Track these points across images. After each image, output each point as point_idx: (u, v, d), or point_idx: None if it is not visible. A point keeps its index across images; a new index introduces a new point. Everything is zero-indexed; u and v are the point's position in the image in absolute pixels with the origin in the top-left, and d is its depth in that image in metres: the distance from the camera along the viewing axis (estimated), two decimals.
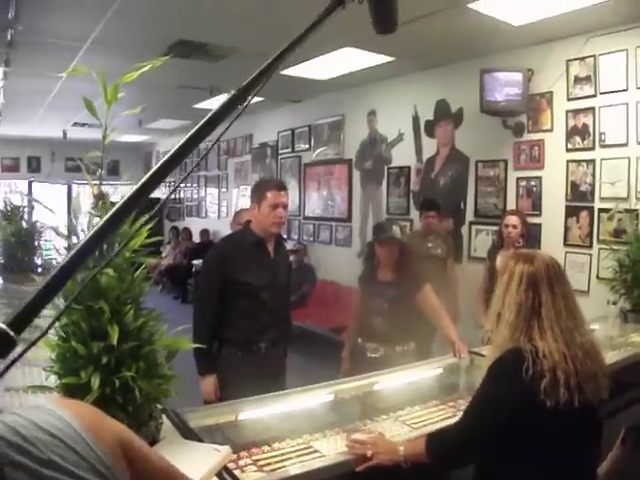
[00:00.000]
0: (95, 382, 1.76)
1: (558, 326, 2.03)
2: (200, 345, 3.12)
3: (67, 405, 0.95)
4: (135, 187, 0.91)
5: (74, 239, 2.00)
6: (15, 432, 0.83)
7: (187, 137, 1.01)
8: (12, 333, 0.75)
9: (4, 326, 0.75)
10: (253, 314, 3.64)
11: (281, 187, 3.77)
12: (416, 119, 7.79)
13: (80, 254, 0.86)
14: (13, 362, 0.78)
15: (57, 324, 1.78)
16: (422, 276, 4.26)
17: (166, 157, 0.97)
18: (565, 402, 1.91)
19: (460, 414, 2.89)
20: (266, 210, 3.62)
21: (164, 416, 2.19)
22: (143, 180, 0.94)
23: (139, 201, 0.92)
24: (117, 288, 1.88)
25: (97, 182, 1.95)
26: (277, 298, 3.81)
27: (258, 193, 3.71)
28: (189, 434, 2.20)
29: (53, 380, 1.93)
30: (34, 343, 0.86)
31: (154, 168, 0.96)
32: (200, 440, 2.18)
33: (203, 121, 1.04)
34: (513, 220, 5.46)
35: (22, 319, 0.77)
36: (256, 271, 3.66)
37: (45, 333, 0.87)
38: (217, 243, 4.18)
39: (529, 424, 1.98)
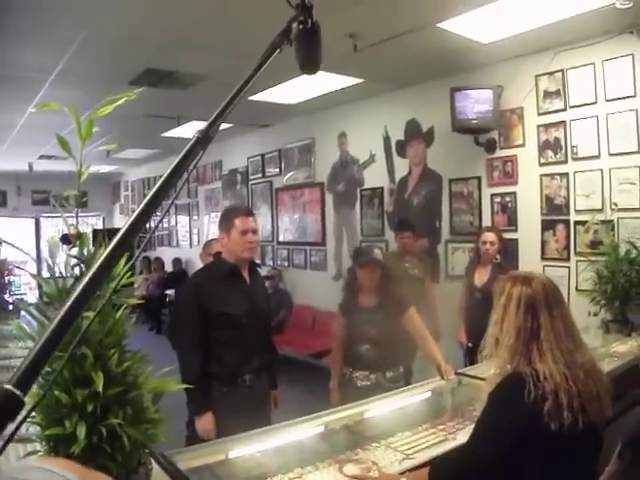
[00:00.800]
0: (81, 432, 1.67)
1: (558, 348, 2.00)
2: (191, 385, 3.07)
3: (62, 464, 0.88)
4: (110, 245, 0.98)
5: (49, 277, 1.92)
6: None
7: (156, 187, 1.10)
8: (19, 392, 0.73)
9: (11, 387, 0.73)
10: (235, 345, 3.55)
11: (248, 213, 3.75)
12: (387, 140, 7.79)
13: (76, 305, 0.87)
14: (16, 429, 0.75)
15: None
16: (405, 298, 4.19)
17: (137, 210, 1.05)
18: (569, 424, 1.87)
19: (451, 437, 2.88)
20: (236, 237, 3.59)
21: (152, 460, 2.10)
22: (118, 237, 1.01)
23: (118, 254, 1.00)
24: (99, 332, 1.80)
25: (73, 224, 1.87)
26: (257, 325, 3.75)
27: (226, 222, 3.67)
28: (179, 477, 2.12)
29: (33, 431, 1.83)
30: (35, 406, 0.81)
31: (127, 223, 1.03)
32: None
33: (170, 170, 1.12)
34: (490, 237, 5.48)
35: (27, 377, 0.76)
36: (233, 300, 3.61)
37: (44, 396, 0.82)
38: (190, 278, 4.09)
39: (533, 448, 1.94)
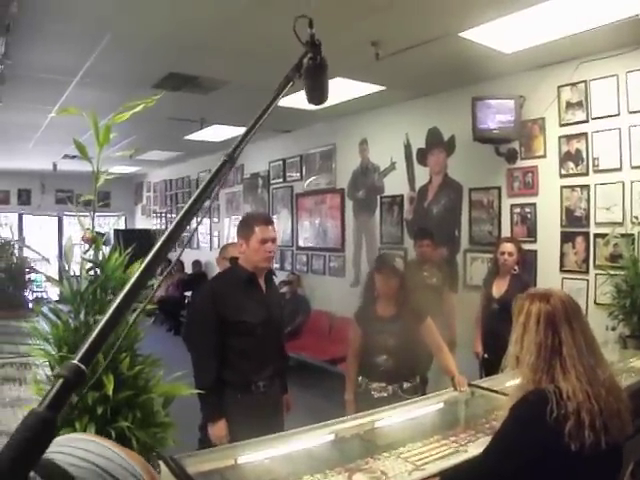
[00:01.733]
0: (90, 433, 1.68)
1: (581, 364, 1.97)
2: (205, 391, 3.08)
3: (102, 439, 0.94)
4: (141, 267, 1.05)
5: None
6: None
7: (188, 205, 1.18)
8: (83, 367, 0.83)
9: (77, 362, 0.83)
10: (250, 352, 3.54)
11: (269, 221, 3.73)
12: (408, 147, 7.78)
13: (128, 297, 0.99)
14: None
15: (50, 373, 1.72)
16: (423, 308, 4.16)
17: (169, 230, 1.12)
18: (591, 444, 1.85)
19: (462, 449, 2.87)
20: (255, 245, 3.57)
21: (161, 463, 2.11)
22: (150, 255, 1.07)
23: (157, 262, 1.07)
24: (112, 336, 1.80)
25: (89, 227, 1.89)
26: (272, 334, 3.75)
27: (246, 229, 3.65)
28: None
29: None
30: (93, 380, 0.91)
31: (165, 233, 1.11)
32: None
33: (199, 190, 1.22)
34: (509, 247, 5.45)
35: (89, 354, 0.87)
36: (250, 308, 3.59)
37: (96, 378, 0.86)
38: (207, 283, 4.07)
39: (552, 467, 1.91)
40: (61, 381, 0.81)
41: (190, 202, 1.18)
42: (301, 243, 10.11)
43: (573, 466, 1.89)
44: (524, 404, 2.01)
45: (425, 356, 4.28)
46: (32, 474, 0.70)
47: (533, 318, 2.07)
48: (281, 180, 10.60)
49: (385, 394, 3.90)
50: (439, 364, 4.07)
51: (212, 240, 13.31)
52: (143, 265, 1.05)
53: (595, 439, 1.85)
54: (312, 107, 6.00)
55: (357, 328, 4.17)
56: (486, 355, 5.44)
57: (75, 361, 0.84)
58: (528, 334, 2.08)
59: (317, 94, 1.71)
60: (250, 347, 3.54)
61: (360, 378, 4.08)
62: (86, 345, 0.88)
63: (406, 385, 3.96)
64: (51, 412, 0.77)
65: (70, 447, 0.80)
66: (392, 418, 3.21)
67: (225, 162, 1.28)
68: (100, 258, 1.93)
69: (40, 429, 0.74)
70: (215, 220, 13.13)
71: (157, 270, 1.09)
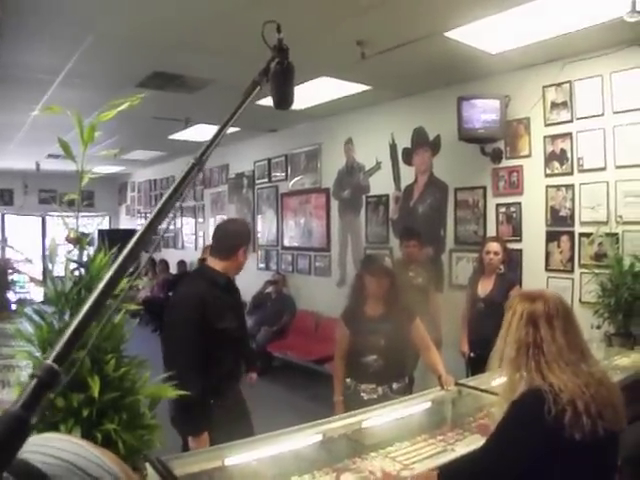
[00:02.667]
0: (76, 436, 1.66)
1: (562, 360, 2.02)
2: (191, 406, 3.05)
3: (77, 438, 0.94)
4: (114, 265, 1.07)
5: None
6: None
7: (158, 207, 1.20)
8: (57, 367, 0.84)
9: (51, 362, 0.84)
10: (228, 359, 3.51)
11: None
12: (393, 147, 7.79)
13: (102, 295, 1.00)
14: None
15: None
16: (412, 308, 4.14)
17: (140, 230, 1.15)
18: (590, 431, 1.88)
19: (450, 448, 2.88)
20: (246, 255, 3.67)
21: (148, 465, 2.09)
22: (123, 255, 1.09)
23: (126, 267, 1.08)
24: (97, 337, 1.78)
25: (73, 227, 1.87)
26: (245, 338, 3.84)
27: (248, 238, 3.74)
28: None
29: None
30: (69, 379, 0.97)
31: (131, 242, 1.12)
32: None
33: (168, 193, 1.23)
34: (494, 247, 5.47)
35: (63, 354, 0.88)
36: (228, 315, 3.54)
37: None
38: (191, 290, 3.74)
39: (561, 461, 1.94)
40: (35, 381, 0.82)
41: (160, 204, 1.21)
42: (286, 243, 10.09)
43: (579, 456, 1.92)
44: (523, 404, 2.03)
45: (412, 356, 4.27)
46: (5, 474, 0.70)
47: (517, 316, 2.13)
48: (266, 180, 10.58)
49: (375, 395, 3.85)
50: (427, 363, 4.06)
51: (197, 240, 13.26)
52: (116, 264, 1.07)
53: (592, 426, 1.89)
54: (297, 107, 5.98)
55: (344, 328, 4.10)
56: (472, 354, 5.45)
57: (49, 361, 0.85)
58: (510, 330, 2.14)
59: (283, 99, 1.72)
60: (227, 354, 3.50)
61: (348, 380, 4.04)
62: (60, 345, 0.89)
63: (396, 385, 3.94)
64: (25, 412, 0.78)
65: (44, 446, 0.80)
66: (379, 418, 3.20)
67: (194, 165, 1.31)
68: (85, 258, 1.91)
69: (13, 429, 0.74)
70: (200, 220, 13.08)
71: (130, 269, 1.10)
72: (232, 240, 3.65)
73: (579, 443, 1.87)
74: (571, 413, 1.89)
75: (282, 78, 1.63)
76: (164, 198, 1.21)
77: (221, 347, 3.45)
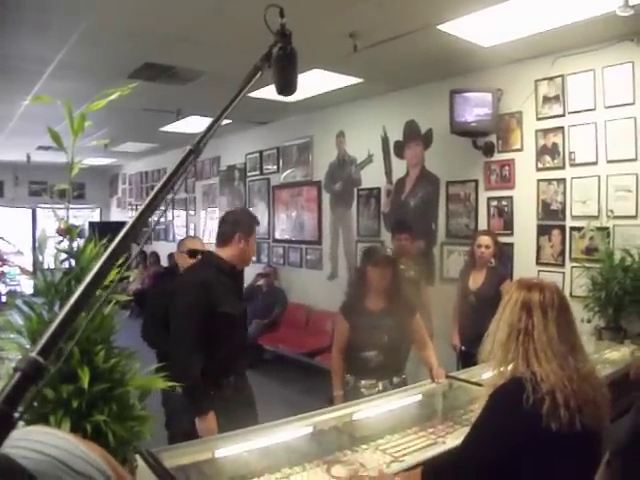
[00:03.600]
0: (65, 428, 1.65)
1: (550, 349, 2.01)
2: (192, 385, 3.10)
3: (57, 431, 0.93)
4: (107, 251, 1.08)
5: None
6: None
7: (152, 195, 1.18)
8: (42, 360, 0.83)
9: (36, 355, 0.83)
10: (230, 347, 3.49)
11: (258, 222, 3.81)
12: (385, 140, 7.78)
13: (89, 287, 0.99)
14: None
15: None
16: (413, 302, 4.11)
17: (135, 216, 1.14)
18: (567, 423, 1.88)
19: (440, 441, 2.88)
20: (252, 244, 3.63)
21: (138, 457, 2.08)
22: (118, 238, 1.09)
23: (116, 257, 1.07)
24: (87, 328, 1.78)
25: (63, 217, 1.86)
26: (245, 326, 3.79)
27: (248, 227, 3.64)
28: (165, 475, 2.10)
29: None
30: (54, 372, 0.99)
31: (124, 229, 1.11)
32: None
33: (164, 179, 1.22)
34: (485, 240, 5.47)
35: (48, 347, 0.86)
36: (233, 301, 3.55)
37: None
38: (193, 274, 3.82)
39: (536, 451, 1.93)
40: (18, 375, 0.81)
41: (154, 191, 1.19)
42: (278, 236, 10.08)
43: (554, 448, 1.91)
44: (501, 394, 2.03)
45: (408, 350, 4.24)
46: None
47: (512, 302, 2.13)
48: (258, 172, 10.56)
49: (374, 391, 3.78)
50: (421, 357, 4.03)
51: (188, 233, 13.20)
52: (108, 251, 1.06)
53: (570, 418, 1.88)
54: (289, 99, 5.98)
55: (344, 322, 4.00)
56: (463, 347, 5.46)
57: (34, 354, 0.84)
58: (504, 315, 2.15)
59: (286, 85, 1.70)
60: (230, 341, 3.49)
61: (348, 375, 3.96)
62: (45, 337, 0.87)
63: (396, 380, 3.88)
64: (7, 406, 0.76)
65: (26, 441, 0.78)
66: (370, 410, 3.20)
67: (190, 152, 1.29)
68: (75, 249, 1.89)
69: None
70: (191, 212, 13.05)
71: (120, 260, 1.09)
72: (229, 227, 3.65)
73: (555, 434, 1.87)
74: (549, 403, 1.89)
75: (285, 64, 1.62)
76: (159, 184, 1.20)
77: (222, 332, 3.45)
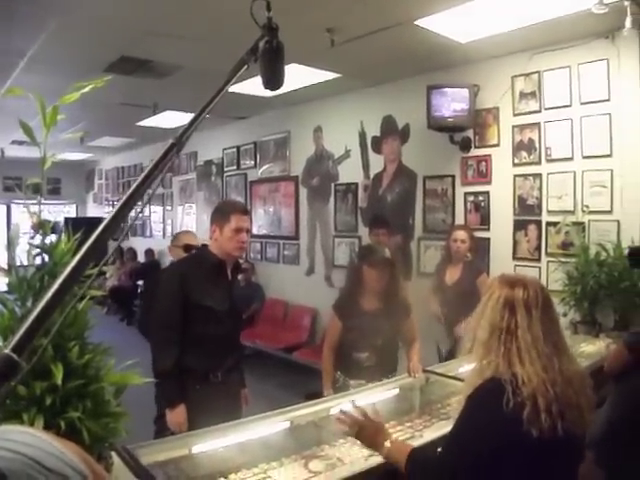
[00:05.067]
0: (39, 425, 1.63)
1: (535, 350, 1.95)
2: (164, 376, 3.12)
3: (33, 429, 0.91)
4: (88, 242, 1.05)
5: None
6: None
7: (132, 188, 1.18)
8: (16, 357, 0.83)
9: (9, 351, 0.83)
10: (212, 341, 3.47)
11: (245, 211, 3.65)
12: (363, 135, 7.78)
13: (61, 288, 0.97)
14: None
15: None
16: (409, 303, 4.05)
17: (115, 209, 1.13)
18: (548, 429, 1.83)
19: (418, 434, 2.88)
20: (229, 234, 3.49)
21: (113, 454, 2.07)
22: (99, 230, 1.07)
23: (93, 253, 1.05)
24: (60, 323, 1.75)
25: (36, 212, 1.83)
26: (234, 323, 3.72)
27: (222, 216, 3.56)
28: (141, 472, 2.09)
29: None
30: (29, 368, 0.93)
31: (105, 222, 1.10)
32: (153, 478, 2.07)
33: (145, 172, 1.22)
34: (461, 235, 5.50)
35: (23, 344, 0.86)
36: (216, 295, 3.53)
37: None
38: (174, 266, 3.90)
39: (513, 456, 1.89)
40: None
41: (135, 185, 1.18)
42: (255, 231, 10.03)
43: (534, 454, 1.87)
44: (481, 394, 1.98)
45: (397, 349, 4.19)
46: None
47: (494, 299, 2.07)
48: (235, 167, 10.52)
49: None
50: (406, 353, 3.99)
51: (165, 228, 13.15)
52: (85, 247, 1.05)
53: (552, 424, 1.84)
54: (266, 94, 5.93)
55: (337, 321, 3.97)
56: (444, 351, 5.49)
57: (7, 350, 0.84)
58: (485, 312, 2.08)
59: (273, 79, 1.69)
60: (212, 335, 3.47)
61: (337, 373, 3.93)
62: (20, 333, 0.87)
63: (385, 381, 3.76)
64: None
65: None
66: (347, 405, 3.20)
67: (173, 145, 1.28)
68: (48, 245, 1.87)
69: None
70: (168, 208, 12.98)
71: (97, 255, 1.07)
72: (214, 217, 3.64)
73: (536, 440, 1.83)
74: (530, 408, 1.84)
75: (272, 57, 1.62)
76: (140, 178, 1.18)
77: (204, 327, 3.44)
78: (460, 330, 5.11)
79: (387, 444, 2.21)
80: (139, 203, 1.21)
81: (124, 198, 1.15)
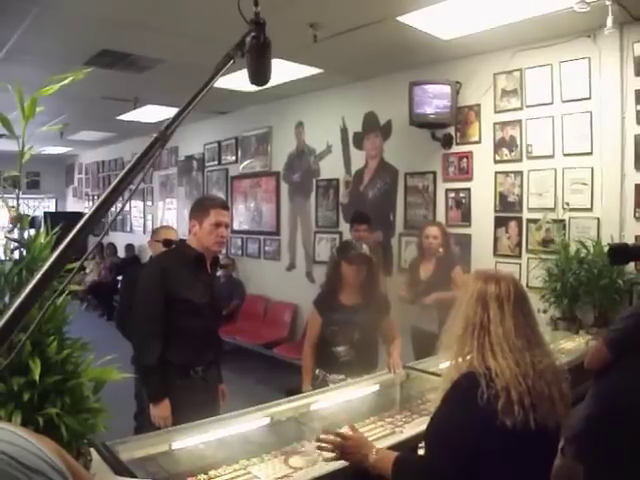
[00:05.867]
0: (16, 421, 1.62)
1: (507, 343, 1.96)
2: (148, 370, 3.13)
3: (7, 424, 0.88)
4: (78, 224, 1.05)
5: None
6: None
7: (114, 183, 1.16)
8: None
9: None
10: (193, 334, 3.46)
11: (225, 206, 3.64)
12: (344, 131, 7.78)
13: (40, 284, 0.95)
14: None
15: None
16: (388, 298, 4.09)
17: (97, 203, 1.12)
18: (521, 422, 1.84)
19: (398, 430, 2.89)
20: (208, 228, 3.48)
21: (92, 450, 2.05)
22: (79, 224, 1.06)
23: (84, 236, 1.06)
24: (34, 316, 1.73)
25: (14, 205, 1.81)
26: (213, 317, 3.71)
27: (201, 210, 3.55)
28: (120, 469, 2.07)
29: None
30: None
31: (86, 216, 1.08)
32: (132, 475, 2.06)
33: (128, 167, 1.20)
34: (433, 231, 5.54)
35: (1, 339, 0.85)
36: (196, 288, 3.52)
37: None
38: (154, 260, 3.90)
39: (490, 448, 1.89)
40: None
41: (117, 180, 1.17)
42: (236, 226, 10.00)
43: (509, 445, 1.87)
44: (456, 389, 1.98)
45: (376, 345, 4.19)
46: None
47: (468, 294, 2.09)
48: (216, 163, 10.48)
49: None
50: (387, 350, 3.97)
51: (146, 223, 13.07)
52: (65, 242, 1.03)
53: (524, 417, 1.85)
54: (248, 88, 5.92)
55: (318, 316, 3.98)
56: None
57: None
58: (460, 307, 2.10)
59: (260, 74, 1.70)
60: (193, 329, 3.46)
61: (317, 370, 3.93)
62: None
63: (366, 377, 3.73)
64: None
65: None
66: (328, 400, 3.21)
67: (157, 140, 1.28)
68: (26, 239, 1.85)
69: None
70: (149, 203, 12.90)
71: (77, 250, 1.05)
72: (193, 211, 3.63)
73: (510, 432, 1.83)
74: (504, 399, 1.85)
75: (259, 53, 1.63)
76: (123, 173, 1.17)
77: (186, 320, 3.43)
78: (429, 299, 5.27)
79: (373, 455, 2.20)
80: (120, 199, 1.20)
81: (105, 193, 1.13)
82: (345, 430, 2.40)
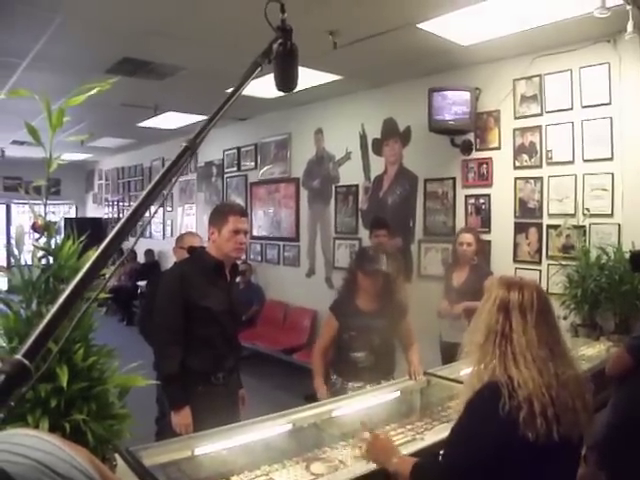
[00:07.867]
0: (44, 427, 1.63)
1: (529, 353, 1.93)
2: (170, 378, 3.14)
3: (42, 432, 0.90)
4: (110, 234, 1.06)
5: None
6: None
7: (146, 191, 1.17)
8: (27, 363, 0.82)
9: (21, 357, 0.82)
10: (213, 342, 3.48)
11: (243, 213, 3.64)
12: (364, 137, 7.79)
13: (76, 290, 0.98)
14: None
15: None
16: (405, 304, 4.07)
17: (127, 214, 1.12)
18: (544, 434, 1.81)
19: (419, 437, 2.88)
20: (227, 235, 3.48)
21: (117, 456, 2.07)
22: (113, 232, 1.07)
23: (112, 250, 1.07)
24: (65, 326, 1.75)
25: (41, 214, 1.83)
26: (234, 325, 3.73)
27: (219, 217, 3.56)
28: (144, 474, 2.09)
29: None
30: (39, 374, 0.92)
31: (120, 222, 1.09)
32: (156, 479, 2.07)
33: (159, 175, 1.20)
34: (467, 238, 5.49)
35: (34, 349, 0.85)
36: (215, 296, 3.53)
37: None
38: (173, 268, 3.90)
39: (512, 460, 1.87)
40: (2, 378, 0.80)
41: (149, 188, 1.17)
42: (255, 232, 10.04)
43: (532, 458, 1.86)
44: (479, 399, 1.95)
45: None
46: None
47: (490, 302, 2.05)
48: (235, 169, 10.52)
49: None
50: (405, 356, 3.99)
51: (165, 229, 13.14)
52: (98, 252, 1.04)
53: (547, 428, 1.82)
54: (267, 95, 5.95)
55: (334, 321, 3.96)
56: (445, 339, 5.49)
57: (19, 356, 0.83)
58: (482, 315, 2.07)
59: (287, 80, 1.72)
60: (213, 336, 3.48)
61: (334, 376, 3.92)
62: (32, 339, 0.86)
63: (384, 383, 3.75)
64: None
65: (8, 444, 0.75)
66: (349, 407, 3.21)
67: (187, 149, 1.27)
68: (53, 246, 1.87)
69: None
70: (169, 209, 12.95)
71: (110, 259, 1.06)
72: (212, 218, 3.63)
73: (532, 444, 1.81)
74: (526, 410, 1.82)
75: (286, 59, 1.65)
76: (154, 181, 1.18)
77: (205, 327, 3.45)
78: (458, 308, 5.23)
79: (394, 460, 2.21)
80: (154, 205, 1.21)
81: (136, 204, 1.14)
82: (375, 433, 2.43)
